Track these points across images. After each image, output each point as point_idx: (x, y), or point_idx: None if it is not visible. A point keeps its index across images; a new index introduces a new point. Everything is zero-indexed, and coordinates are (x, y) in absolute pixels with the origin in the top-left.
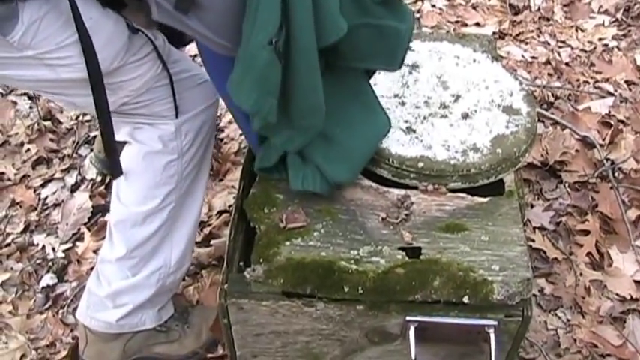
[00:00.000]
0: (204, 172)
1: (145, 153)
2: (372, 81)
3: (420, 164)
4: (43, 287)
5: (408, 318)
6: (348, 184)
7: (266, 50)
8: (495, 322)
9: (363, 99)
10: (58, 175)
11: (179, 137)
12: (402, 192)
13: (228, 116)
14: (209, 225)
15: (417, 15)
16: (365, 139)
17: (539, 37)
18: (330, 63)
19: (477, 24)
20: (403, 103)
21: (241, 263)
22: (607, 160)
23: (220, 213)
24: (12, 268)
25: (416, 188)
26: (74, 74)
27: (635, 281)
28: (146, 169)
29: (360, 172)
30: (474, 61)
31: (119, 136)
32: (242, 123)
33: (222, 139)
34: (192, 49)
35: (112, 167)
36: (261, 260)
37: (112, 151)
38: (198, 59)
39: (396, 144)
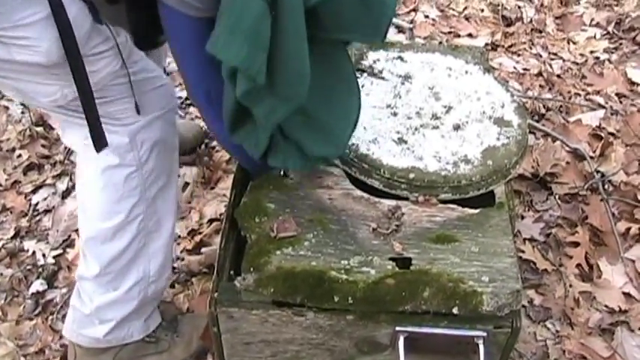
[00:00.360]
0: (172, 178)
1: (102, 168)
2: (364, 91)
3: (411, 175)
4: (32, 293)
5: (397, 328)
6: (328, 159)
7: (257, 1)
8: (484, 334)
9: (344, 77)
10: (49, 181)
11: (135, 148)
12: (393, 202)
13: None
14: (200, 233)
15: (410, 25)
16: (345, 115)
17: (531, 48)
18: (313, 36)
19: (470, 35)
20: (395, 114)
21: (232, 272)
22: (597, 172)
23: (211, 221)
24: (1, 274)
25: (407, 199)
26: (29, 57)
27: (624, 293)
28: (106, 184)
29: (343, 150)
30: (466, 72)
31: (70, 142)
32: (211, 116)
33: (213, 147)
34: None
35: (95, 138)
36: (251, 269)
37: (94, 119)
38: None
39: (388, 154)
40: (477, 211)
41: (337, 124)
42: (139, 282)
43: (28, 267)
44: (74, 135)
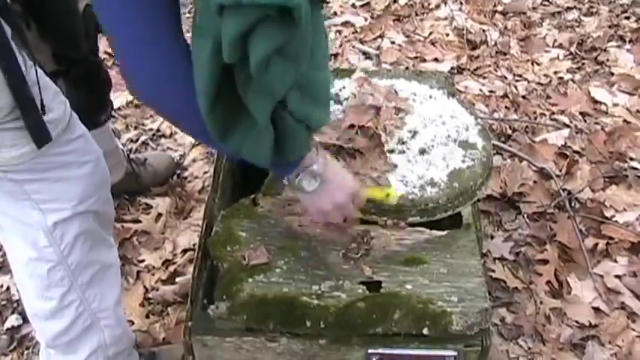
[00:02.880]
0: (108, 260)
1: (26, 259)
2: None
3: None
4: (7, 328)
5: (370, 351)
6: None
7: None
8: (455, 353)
9: (320, 30)
10: None
11: (54, 243)
12: (362, 227)
13: (192, 154)
14: (174, 263)
15: (377, 52)
16: (326, 72)
17: (496, 71)
18: None
19: (436, 59)
20: None
21: (205, 301)
22: (564, 190)
23: (185, 251)
24: None
25: (376, 223)
26: None
27: (594, 308)
28: (31, 275)
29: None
30: (431, 97)
31: None
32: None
33: (186, 177)
34: None
35: (36, 133)
36: (224, 297)
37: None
38: None
39: None
40: (444, 233)
41: (325, 83)
42: (95, 351)
43: (3, 302)
44: None
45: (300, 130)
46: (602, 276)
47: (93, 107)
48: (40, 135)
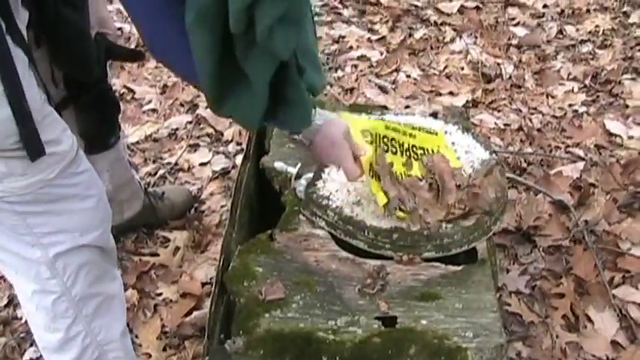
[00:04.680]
0: (111, 290)
1: (30, 292)
2: None
3: (395, 235)
4: None
5: None
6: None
7: None
8: None
9: None
10: None
11: (57, 275)
12: (378, 262)
13: (210, 188)
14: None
15: (392, 86)
16: (312, 32)
17: (511, 104)
18: None
19: (451, 93)
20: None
21: (222, 335)
22: (584, 222)
23: (202, 285)
24: None
25: (391, 258)
26: None
27: (611, 341)
28: (37, 308)
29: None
30: (446, 132)
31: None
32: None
33: (203, 211)
34: None
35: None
36: (241, 332)
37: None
38: None
39: (371, 216)
40: (459, 268)
41: (316, 48)
42: None
43: (22, 335)
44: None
45: (306, 97)
46: (619, 309)
47: (102, 131)
48: (33, 146)
